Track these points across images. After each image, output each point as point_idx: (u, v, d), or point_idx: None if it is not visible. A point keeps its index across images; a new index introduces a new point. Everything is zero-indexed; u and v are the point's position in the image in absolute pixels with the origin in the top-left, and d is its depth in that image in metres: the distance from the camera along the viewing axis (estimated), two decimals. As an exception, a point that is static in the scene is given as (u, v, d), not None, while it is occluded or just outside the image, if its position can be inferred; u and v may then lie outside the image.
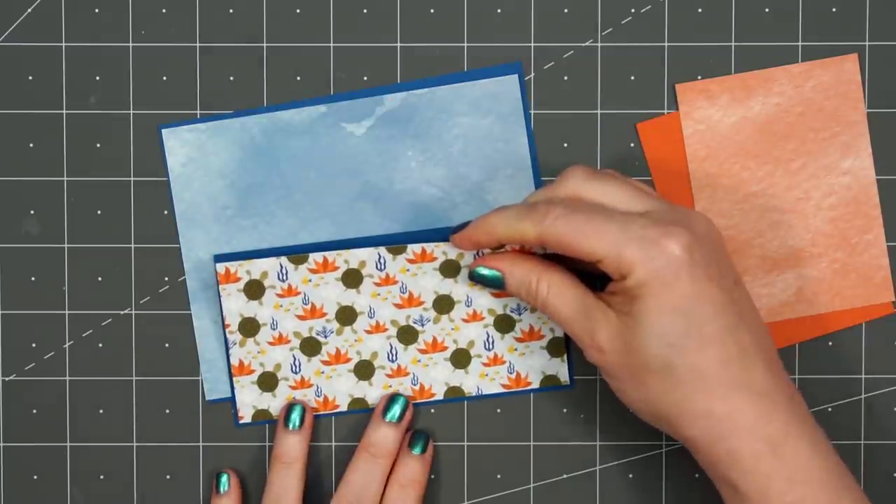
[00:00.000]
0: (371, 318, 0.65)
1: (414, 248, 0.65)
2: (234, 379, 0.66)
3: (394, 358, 0.66)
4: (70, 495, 0.67)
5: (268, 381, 0.66)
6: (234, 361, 0.66)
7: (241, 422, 0.66)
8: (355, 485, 0.64)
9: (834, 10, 0.66)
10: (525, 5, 0.66)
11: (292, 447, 0.64)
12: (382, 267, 0.65)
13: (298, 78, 0.66)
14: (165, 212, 0.67)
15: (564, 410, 0.67)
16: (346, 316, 0.65)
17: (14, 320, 0.67)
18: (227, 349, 0.66)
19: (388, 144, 0.66)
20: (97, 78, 0.67)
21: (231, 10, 0.67)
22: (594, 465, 0.67)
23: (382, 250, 0.65)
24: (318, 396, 0.66)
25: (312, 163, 0.66)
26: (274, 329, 0.65)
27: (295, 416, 0.65)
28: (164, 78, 0.67)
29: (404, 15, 0.67)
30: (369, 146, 0.66)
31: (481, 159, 0.66)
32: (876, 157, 0.67)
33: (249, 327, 0.65)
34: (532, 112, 0.66)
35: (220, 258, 0.65)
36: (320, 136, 0.66)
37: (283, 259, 0.65)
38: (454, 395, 0.66)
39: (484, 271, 0.62)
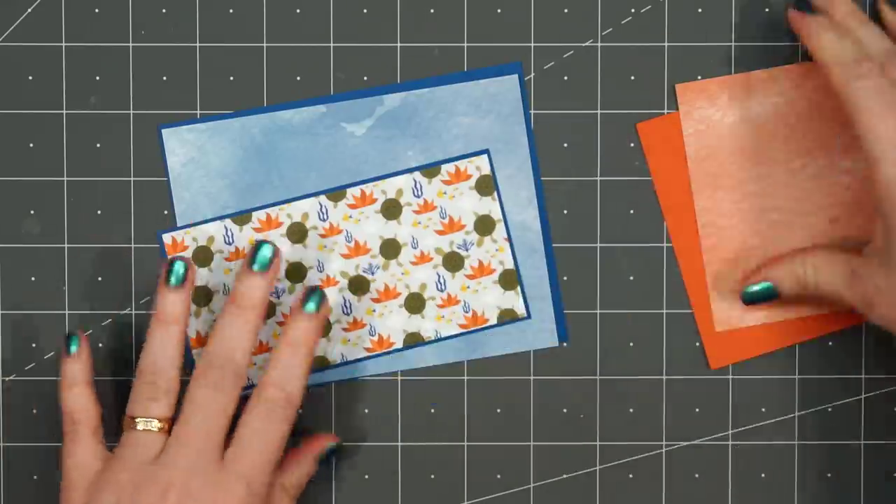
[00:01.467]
0: (321, 271, 0.65)
1: (353, 192, 0.65)
2: (193, 351, 0.66)
3: (348, 311, 0.66)
4: (70, 495, 0.67)
5: None
6: (192, 333, 0.66)
7: None
8: (223, 341, 0.60)
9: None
10: (525, 5, 0.67)
11: (173, 305, 0.61)
12: (325, 217, 0.65)
13: (298, 78, 0.66)
14: (165, 212, 0.67)
15: (564, 410, 0.67)
16: (296, 272, 0.65)
17: (14, 320, 0.67)
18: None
19: (388, 144, 0.66)
20: (97, 78, 0.67)
21: (231, 10, 0.67)
22: (594, 465, 0.67)
23: (323, 199, 0.65)
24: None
25: (312, 163, 0.66)
26: (227, 294, 0.65)
27: (179, 270, 0.61)
28: (164, 78, 0.67)
29: (404, 15, 0.67)
30: (369, 146, 0.66)
31: None
32: (876, 157, 0.67)
33: (202, 296, 0.65)
34: (532, 112, 0.66)
35: (163, 231, 0.65)
36: (320, 136, 0.66)
37: (227, 221, 0.65)
38: (413, 341, 0.66)
39: (755, 288, 0.63)
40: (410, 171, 0.65)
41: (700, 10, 0.66)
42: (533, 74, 0.67)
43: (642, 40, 0.67)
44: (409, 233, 0.65)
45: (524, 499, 0.67)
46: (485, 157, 0.65)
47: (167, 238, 0.65)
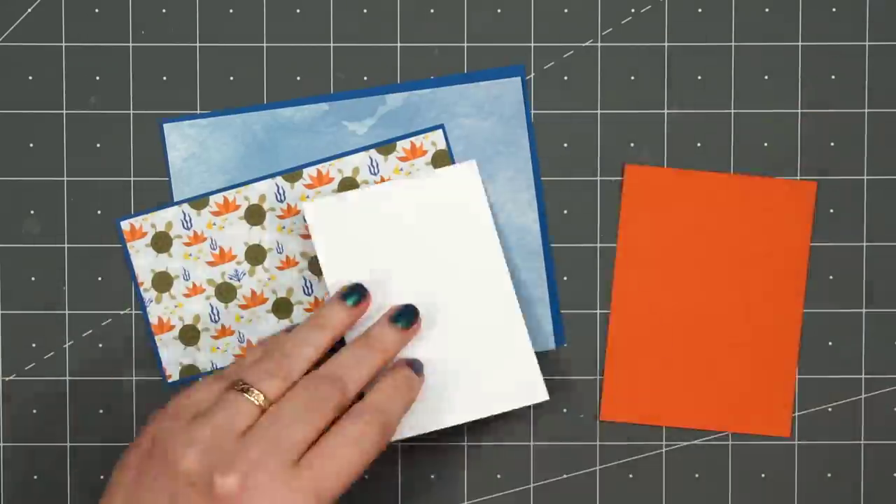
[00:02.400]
0: (280, 253, 0.65)
1: (310, 172, 0.65)
2: (156, 338, 0.66)
3: (309, 292, 0.66)
4: (70, 495, 0.67)
5: (189, 335, 0.66)
6: (153, 319, 0.66)
7: (169, 381, 0.66)
8: (344, 367, 0.60)
9: (834, 9, 0.66)
10: (525, 5, 0.67)
11: (339, 317, 0.62)
12: (283, 198, 0.65)
13: (298, 78, 0.66)
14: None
15: (564, 410, 0.67)
16: (256, 255, 0.65)
17: (14, 320, 0.67)
18: (144, 308, 0.66)
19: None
20: (97, 78, 0.67)
21: (231, 10, 0.67)
22: (594, 465, 0.67)
23: (280, 180, 0.65)
24: (242, 342, 0.66)
25: (313, 160, 0.66)
26: (187, 280, 0.65)
27: (359, 292, 0.63)
28: (164, 78, 0.67)
29: (404, 15, 0.67)
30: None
31: (483, 161, 0.66)
32: (873, 157, 0.67)
33: (162, 282, 0.65)
34: (532, 112, 0.66)
35: (121, 219, 0.65)
36: (321, 134, 0.66)
37: (185, 206, 0.65)
38: None
39: None
40: (366, 148, 0.65)
41: (700, 10, 0.67)
42: (533, 74, 0.67)
43: (642, 40, 0.67)
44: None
45: (524, 499, 0.67)
46: (440, 132, 0.65)
47: (125, 226, 0.65)
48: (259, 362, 0.59)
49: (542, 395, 0.63)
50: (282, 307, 0.66)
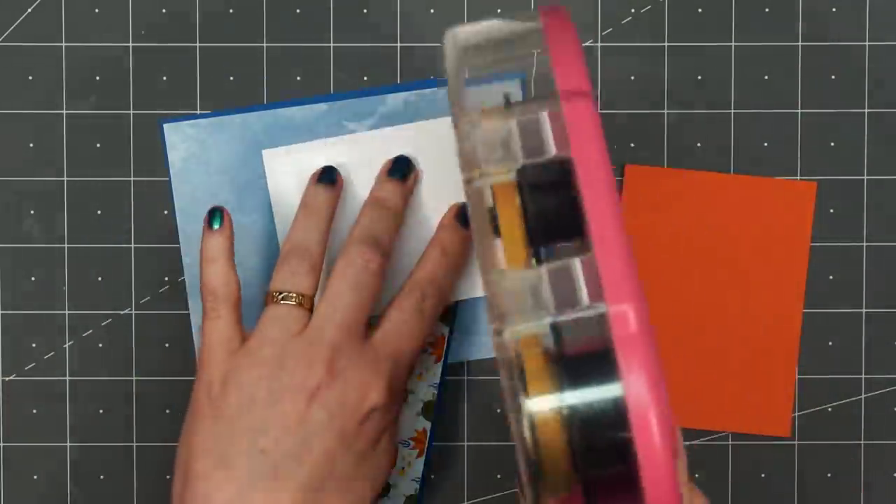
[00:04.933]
0: None
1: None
2: None
3: None
4: (70, 495, 0.67)
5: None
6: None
7: None
8: (371, 230, 0.61)
9: (834, 10, 0.66)
10: (525, 5, 0.67)
11: (323, 200, 0.63)
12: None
13: (298, 78, 0.66)
14: (165, 211, 0.67)
15: (564, 410, 0.67)
16: None
17: (14, 320, 0.67)
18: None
19: None
20: (97, 78, 0.67)
21: (231, 10, 0.67)
22: (594, 465, 0.67)
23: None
24: (409, 446, 0.66)
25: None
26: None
27: (331, 174, 0.63)
28: (164, 78, 0.67)
29: (404, 15, 0.67)
30: (369, 146, 0.66)
31: None
32: (873, 157, 0.67)
33: None
34: (532, 112, 0.67)
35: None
36: (321, 133, 0.66)
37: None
38: None
39: None
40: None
41: (700, 10, 0.67)
42: (533, 74, 0.67)
43: (642, 40, 0.67)
44: None
45: (524, 499, 0.67)
46: None
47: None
48: (278, 270, 0.60)
49: None
50: None
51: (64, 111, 0.67)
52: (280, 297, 0.59)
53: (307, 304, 0.59)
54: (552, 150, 0.48)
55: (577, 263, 0.45)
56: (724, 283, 0.66)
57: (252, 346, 0.59)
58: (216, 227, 0.61)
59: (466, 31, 0.51)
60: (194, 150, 0.66)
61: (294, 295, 0.59)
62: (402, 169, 0.64)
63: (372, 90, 0.66)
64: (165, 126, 0.66)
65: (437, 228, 0.64)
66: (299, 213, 0.62)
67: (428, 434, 0.65)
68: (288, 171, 0.66)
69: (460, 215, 0.64)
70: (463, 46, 0.51)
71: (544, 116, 0.48)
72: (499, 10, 0.67)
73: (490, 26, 0.51)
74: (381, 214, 0.62)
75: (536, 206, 0.47)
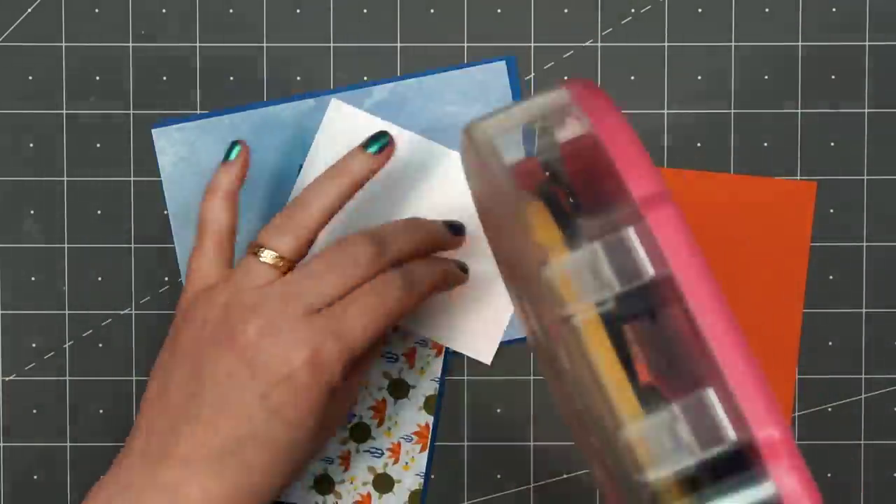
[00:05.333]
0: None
1: None
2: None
3: (395, 358, 0.66)
4: (70, 495, 0.67)
5: (384, 481, 0.67)
6: None
7: None
8: (391, 231, 0.59)
9: (834, 10, 0.66)
10: (525, 5, 0.67)
11: (360, 164, 0.60)
12: None
13: (298, 78, 0.66)
14: (165, 212, 0.67)
15: (564, 410, 0.67)
16: None
17: (14, 320, 0.67)
18: None
19: None
20: (97, 78, 0.67)
21: (231, 10, 0.67)
22: (594, 465, 0.67)
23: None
24: (412, 441, 0.66)
25: (303, 157, 0.66)
26: (332, 462, 0.67)
27: (384, 139, 0.61)
28: (164, 78, 0.67)
29: (404, 15, 0.67)
30: (369, 146, 0.66)
31: None
32: (873, 157, 0.67)
33: (323, 484, 0.67)
34: (532, 112, 0.66)
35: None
36: (310, 130, 0.66)
37: None
38: None
39: None
40: None
41: (700, 10, 0.67)
42: (533, 74, 0.67)
43: (642, 40, 0.67)
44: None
45: (524, 499, 0.67)
46: None
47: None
48: (272, 221, 0.59)
49: (486, 359, 0.66)
50: (397, 388, 0.67)
51: (64, 111, 0.67)
52: (259, 250, 0.58)
53: (284, 267, 0.58)
54: (648, 270, 0.42)
55: (710, 395, 0.41)
56: (724, 282, 0.66)
57: (216, 290, 0.58)
58: (231, 158, 0.61)
59: (491, 124, 0.45)
60: (184, 154, 0.66)
61: (272, 253, 0.58)
62: (458, 230, 0.63)
63: (357, 84, 0.66)
64: (154, 131, 0.66)
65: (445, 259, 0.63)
66: (328, 172, 0.60)
67: (431, 428, 0.66)
68: (342, 129, 0.66)
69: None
70: (490, 141, 0.45)
71: (629, 232, 0.42)
72: (499, 10, 0.67)
73: (517, 112, 0.45)
74: (407, 229, 0.60)
75: (646, 337, 0.43)
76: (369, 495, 0.66)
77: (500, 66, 0.66)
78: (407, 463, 0.66)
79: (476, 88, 0.66)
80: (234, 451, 0.56)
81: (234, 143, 0.61)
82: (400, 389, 0.66)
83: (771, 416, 0.39)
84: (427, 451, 0.65)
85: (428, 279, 0.59)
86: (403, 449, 0.65)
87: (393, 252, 0.59)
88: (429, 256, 0.61)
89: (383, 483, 0.66)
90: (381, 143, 0.61)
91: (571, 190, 0.48)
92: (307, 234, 0.58)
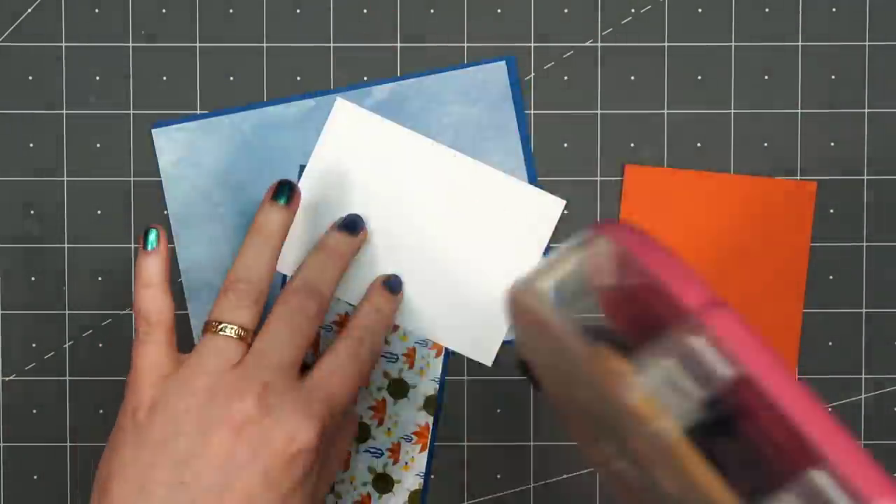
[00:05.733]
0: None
1: None
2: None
3: (395, 358, 0.66)
4: (70, 495, 0.67)
5: (384, 482, 0.67)
6: None
7: None
8: (312, 273, 0.61)
9: (834, 10, 0.66)
10: (525, 5, 0.67)
11: (275, 221, 0.61)
12: None
13: (298, 78, 0.66)
14: (165, 212, 0.67)
15: (564, 410, 0.67)
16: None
17: (14, 320, 0.67)
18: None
19: None
20: (97, 78, 0.67)
21: (231, 10, 0.67)
22: (594, 465, 0.67)
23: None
24: (411, 441, 0.66)
25: (303, 157, 0.66)
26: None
27: (287, 190, 0.62)
28: (164, 78, 0.67)
29: (404, 15, 0.67)
30: (369, 146, 0.66)
31: (472, 147, 0.66)
32: (873, 157, 0.67)
33: None
34: (532, 112, 0.66)
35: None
36: (310, 129, 0.66)
37: None
38: None
39: None
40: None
41: (700, 10, 0.66)
42: (533, 74, 0.67)
43: (642, 40, 0.67)
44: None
45: (524, 499, 0.67)
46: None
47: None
48: (221, 298, 0.59)
49: (487, 360, 0.66)
50: (397, 388, 0.67)
51: (64, 111, 0.67)
52: (219, 327, 0.58)
53: (246, 338, 0.58)
54: (725, 371, 0.43)
55: (821, 476, 0.41)
56: (725, 282, 0.66)
57: (185, 375, 0.57)
58: (150, 248, 0.59)
59: (541, 287, 0.46)
60: (184, 154, 0.66)
61: (234, 327, 0.58)
62: (353, 226, 0.65)
63: (359, 83, 0.66)
64: (154, 131, 0.66)
65: (368, 290, 0.65)
66: (249, 236, 0.61)
67: (431, 428, 0.66)
68: (347, 129, 0.66)
69: (388, 283, 0.65)
70: (548, 304, 0.46)
71: (698, 341, 0.43)
72: (499, 10, 0.66)
73: (562, 267, 0.46)
74: (327, 263, 0.62)
75: (742, 444, 0.43)
76: (369, 496, 0.66)
77: (500, 66, 0.66)
78: (407, 463, 0.66)
79: (476, 88, 0.66)
80: None
81: (148, 231, 0.60)
82: (400, 389, 0.66)
83: (886, 485, 0.40)
84: (427, 451, 0.65)
85: (380, 329, 0.63)
86: (403, 449, 0.65)
87: (328, 294, 0.61)
88: (367, 302, 0.64)
89: (383, 483, 0.66)
90: (287, 193, 0.62)
91: (617, 327, 0.50)
92: (262, 302, 0.60)
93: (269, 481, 0.56)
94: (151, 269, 0.59)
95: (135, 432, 0.57)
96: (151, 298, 0.59)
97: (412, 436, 0.66)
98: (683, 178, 0.66)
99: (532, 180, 0.66)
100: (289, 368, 0.58)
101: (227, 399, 0.56)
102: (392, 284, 0.65)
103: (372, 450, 0.66)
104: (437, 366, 0.66)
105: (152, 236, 0.59)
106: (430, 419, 0.66)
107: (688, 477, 0.42)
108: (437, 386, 0.66)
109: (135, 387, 0.58)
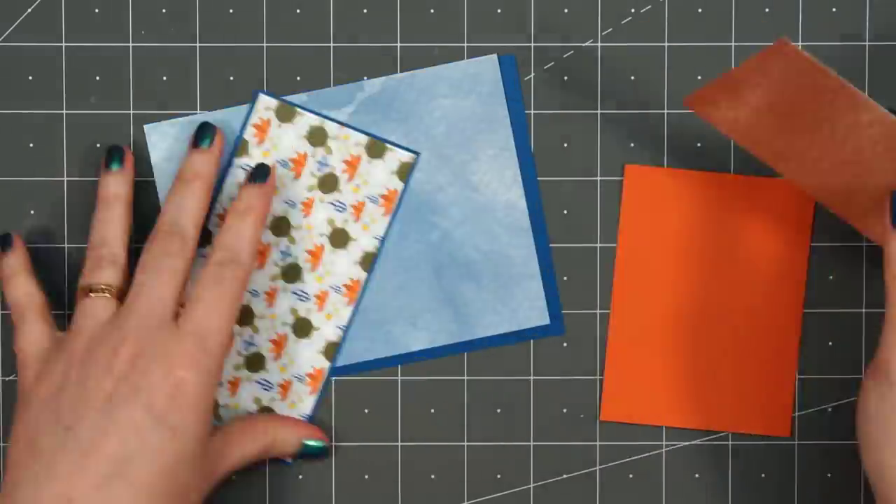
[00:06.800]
0: (258, 296, 0.66)
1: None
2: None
3: (306, 297, 0.66)
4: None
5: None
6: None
7: (289, 461, 0.67)
8: (171, 210, 0.62)
9: (834, 10, 0.66)
10: (525, 5, 0.67)
11: (116, 186, 0.64)
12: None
13: (298, 78, 0.66)
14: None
15: (564, 410, 0.67)
16: (245, 316, 0.66)
17: (14, 320, 0.67)
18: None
19: (370, 129, 0.66)
20: (97, 78, 0.67)
21: (231, 10, 0.67)
22: (594, 465, 0.67)
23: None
24: (304, 381, 0.66)
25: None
26: (221, 385, 0.66)
27: (118, 152, 0.64)
28: (164, 78, 0.67)
29: (404, 15, 0.67)
30: (366, 143, 0.66)
31: (464, 141, 0.66)
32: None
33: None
34: (532, 112, 0.66)
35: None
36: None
37: None
38: None
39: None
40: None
41: (700, 10, 0.67)
42: (533, 74, 0.67)
43: (642, 40, 0.67)
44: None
45: (524, 499, 0.67)
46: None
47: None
48: (85, 264, 0.62)
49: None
50: (300, 327, 0.66)
51: (64, 111, 0.67)
52: (88, 292, 0.61)
53: (116, 294, 0.62)
54: None
55: None
56: (725, 283, 0.66)
57: (64, 341, 0.61)
58: (8, 249, 0.64)
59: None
60: (176, 150, 0.66)
61: (102, 286, 0.61)
62: (206, 136, 0.64)
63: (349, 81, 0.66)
64: (146, 127, 0.66)
65: (238, 192, 0.64)
66: (97, 205, 0.64)
67: (362, 284, 0.65)
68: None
69: (256, 173, 0.64)
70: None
71: None
72: (499, 10, 0.66)
73: None
74: (185, 195, 0.63)
75: None
76: (286, 336, 0.66)
77: (492, 59, 0.66)
78: (331, 312, 0.66)
79: (468, 81, 0.66)
80: (121, 473, 0.57)
81: (2, 237, 0.65)
82: (340, 239, 0.66)
83: None
84: (353, 305, 0.65)
85: (249, 241, 0.62)
86: (330, 299, 0.66)
87: (191, 227, 0.62)
88: (232, 212, 0.63)
89: (303, 328, 0.66)
90: (209, 135, 0.64)
91: None
92: (121, 262, 0.63)
93: (155, 415, 0.58)
94: (12, 263, 0.63)
95: (24, 400, 0.60)
96: (17, 287, 0.63)
97: (342, 287, 0.66)
98: (683, 178, 0.66)
99: (527, 174, 0.66)
100: (160, 311, 0.60)
101: (103, 350, 0.59)
102: (258, 174, 0.64)
103: (299, 293, 0.66)
104: (345, 314, 0.66)
105: (6, 242, 0.64)
106: (364, 276, 0.65)
107: None
108: (378, 244, 0.65)
109: (22, 366, 0.61)
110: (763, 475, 0.67)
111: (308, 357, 0.66)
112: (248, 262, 0.62)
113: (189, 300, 0.61)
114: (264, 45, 0.67)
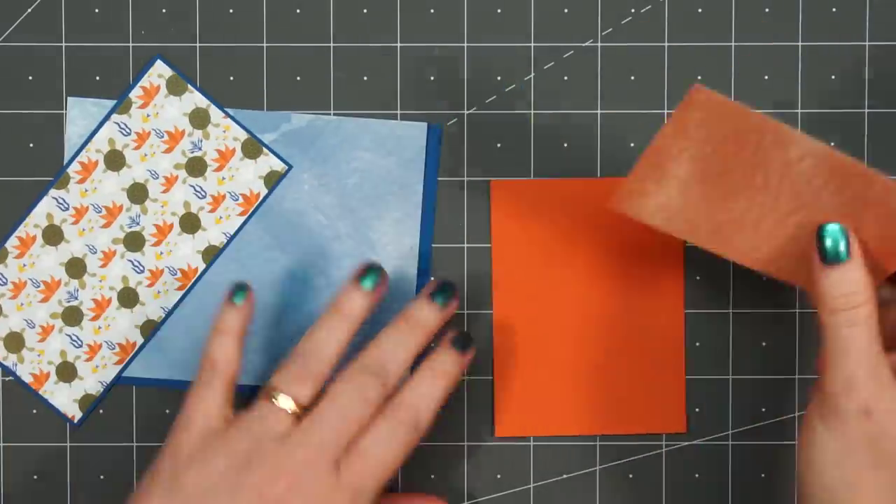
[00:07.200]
0: (94, 253, 0.65)
1: (74, 168, 0.65)
2: (41, 392, 0.66)
3: (141, 269, 0.66)
4: (70, 495, 0.67)
5: (67, 370, 0.66)
6: (29, 379, 0.66)
7: (76, 421, 0.66)
8: (383, 352, 0.60)
9: (834, 10, 0.66)
10: (525, 5, 0.67)
11: (357, 304, 0.61)
12: (66, 206, 0.65)
13: (298, 78, 0.67)
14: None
15: (564, 410, 0.67)
16: (76, 268, 0.65)
17: (14, 320, 0.67)
18: (14, 375, 0.65)
19: (287, 160, 0.66)
20: (97, 78, 0.67)
21: (231, 10, 0.67)
22: (594, 465, 0.67)
23: (54, 192, 0.65)
24: (113, 349, 0.66)
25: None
26: (32, 327, 0.65)
27: (375, 276, 0.61)
28: (164, 78, 0.67)
29: (404, 15, 0.67)
30: (269, 160, 0.66)
31: (374, 197, 0.66)
32: (873, 157, 0.67)
33: (13, 341, 0.65)
34: (532, 112, 0.66)
35: None
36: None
37: None
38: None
39: (840, 237, 0.57)
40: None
41: (700, 10, 0.67)
42: (533, 74, 0.67)
43: (642, 40, 0.67)
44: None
45: (524, 499, 0.67)
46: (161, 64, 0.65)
47: None
48: (286, 367, 0.60)
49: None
50: (127, 297, 0.65)
51: (64, 111, 0.67)
52: (275, 396, 0.59)
53: (298, 412, 0.59)
54: None
55: None
56: (605, 287, 0.66)
57: (230, 435, 0.58)
58: (238, 302, 0.61)
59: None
60: (91, 129, 0.66)
61: (290, 399, 0.59)
62: (446, 294, 0.62)
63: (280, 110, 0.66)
64: (70, 99, 0.66)
65: (435, 349, 0.62)
66: (329, 309, 0.61)
67: (135, 349, 0.66)
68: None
69: (461, 340, 0.62)
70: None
71: None
72: (499, 10, 0.66)
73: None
74: (408, 340, 0.61)
75: None
76: (110, 301, 0.66)
77: (421, 127, 0.66)
78: (160, 291, 0.65)
79: (393, 141, 0.66)
80: None
81: (239, 286, 0.61)
82: (190, 224, 0.65)
83: None
84: (183, 292, 0.65)
85: (433, 409, 0.60)
86: (163, 279, 0.65)
87: (396, 377, 0.60)
88: (427, 369, 0.61)
89: (129, 298, 0.66)
90: (374, 278, 0.61)
91: None
92: (322, 381, 0.60)
93: None
94: (232, 319, 0.61)
95: (170, 480, 0.58)
96: (221, 346, 0.60)
97: (116, 345, 0.66)
98: (551, 187, 0.66)
99: (424, 247, 0.66)
100: (335, 449, 0.58)
101: (261, 471, 0.57)
102: (461, 341, 0.62)
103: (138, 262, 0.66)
104: (172, 298, 0.65)
105: (240, 294, 0.61)
106: (140, 340, 0.65)
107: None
108: (163, 314, 0.65)
109: (183, 429, 0.59)
110: (763, 475, 0.67)
111: (124, 327, 0.66)
112: (424, 431, 0.60)
113: (358, 449, 0.58)
114: (264, 45, 0.67)
